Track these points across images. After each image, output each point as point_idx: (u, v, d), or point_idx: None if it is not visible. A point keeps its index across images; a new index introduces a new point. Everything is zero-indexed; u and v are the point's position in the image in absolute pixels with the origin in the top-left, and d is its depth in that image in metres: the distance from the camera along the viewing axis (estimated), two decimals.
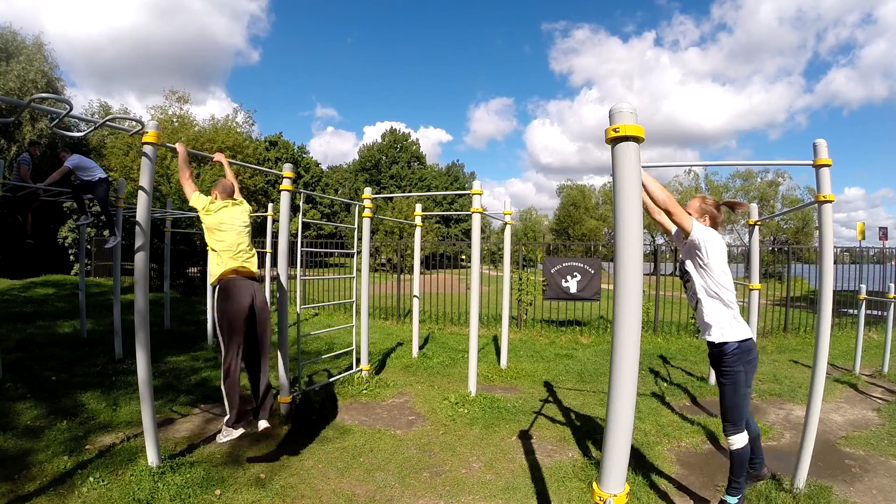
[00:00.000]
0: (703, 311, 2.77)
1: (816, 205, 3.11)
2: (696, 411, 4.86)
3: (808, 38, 76.96)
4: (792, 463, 3.26)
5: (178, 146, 3.62)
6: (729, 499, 2.80)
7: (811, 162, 3.06)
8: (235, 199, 3.73)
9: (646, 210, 2.64)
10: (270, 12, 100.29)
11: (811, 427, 3.11)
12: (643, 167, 2.28)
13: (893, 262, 11.41)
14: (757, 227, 4.42)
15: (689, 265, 2.82)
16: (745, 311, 5.04)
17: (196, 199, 3.49)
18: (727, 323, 2.73)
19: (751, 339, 2.76)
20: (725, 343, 2.71)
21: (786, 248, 14.08)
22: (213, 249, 3.45)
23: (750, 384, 2.75)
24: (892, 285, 6.50)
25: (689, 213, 2.77)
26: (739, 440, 2.75)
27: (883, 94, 69.59)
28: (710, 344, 2.78)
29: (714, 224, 2.88)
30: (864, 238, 13.16)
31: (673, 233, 2.97)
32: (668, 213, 2.64)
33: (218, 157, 4.08)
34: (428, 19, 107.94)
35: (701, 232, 2.70)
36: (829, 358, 3.20)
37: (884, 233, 13.28)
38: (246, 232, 3.61)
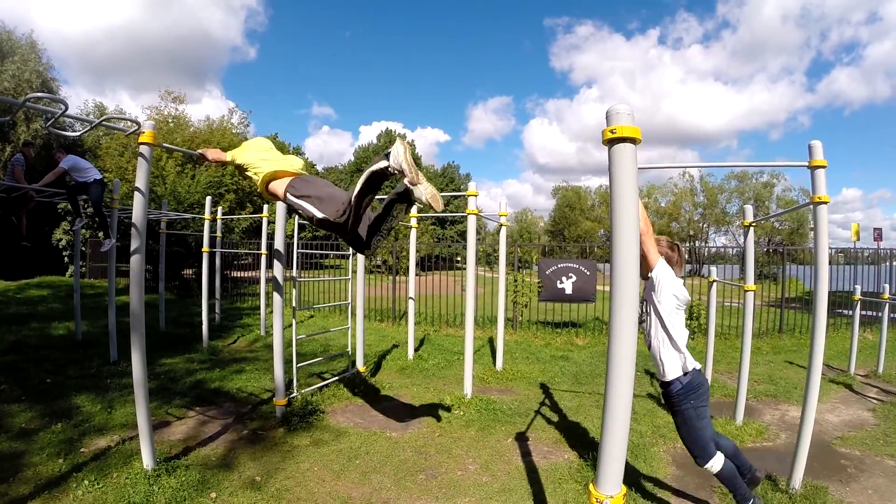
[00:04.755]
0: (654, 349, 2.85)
1: (811, 206, 3.12)
2: None
3: (811, 37, 76.34)
4: (788, 463, 3.27)
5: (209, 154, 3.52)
6: None
7: (806, 163, 3.08)
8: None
9: None
10: (268, 6, 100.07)
11: (807, 427, 3.12)
12: (640, 168, 2.26)
13: (888, 263, 11.48)
14: (752, 229, 4.43)
15: (646, 301, 2.84)
16: (740, 313, 5.08)
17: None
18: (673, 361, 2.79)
19: (694, 371, 2.76)
20: (671, 382, 2.76)
21: (780, 249, 14.16)
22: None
23: (704, 415, 2.71)
24: (887, 286, 6.55)
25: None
26: (715, 464, 2.69)
27: (885, 94, 68.87)
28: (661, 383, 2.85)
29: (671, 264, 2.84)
30: (858, 239, 13.22)
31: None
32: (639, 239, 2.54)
33: (205, 153, 3.92)
34: (428, 15, 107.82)
35: (662, 270, 2.72)
36: (824, 358, 3.22)
37: (878, 234, 13.31)
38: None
